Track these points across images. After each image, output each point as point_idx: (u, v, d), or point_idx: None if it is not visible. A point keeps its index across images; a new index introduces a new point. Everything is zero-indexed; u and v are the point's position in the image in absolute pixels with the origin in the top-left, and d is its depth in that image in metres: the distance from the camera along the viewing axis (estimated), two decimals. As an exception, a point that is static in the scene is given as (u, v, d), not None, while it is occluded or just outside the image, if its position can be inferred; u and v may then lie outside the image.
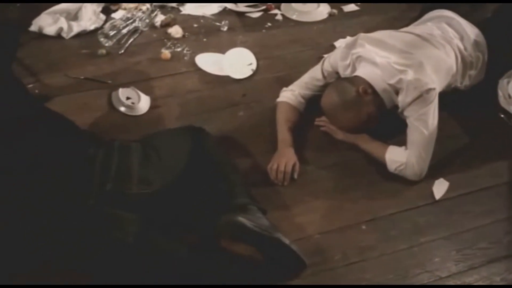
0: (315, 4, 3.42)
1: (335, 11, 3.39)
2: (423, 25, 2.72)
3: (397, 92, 2.35)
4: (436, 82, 2.33)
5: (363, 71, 2.40)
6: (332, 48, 3.06)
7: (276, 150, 2.41)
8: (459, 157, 2.49)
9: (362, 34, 2.51)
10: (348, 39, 3.02)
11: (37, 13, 3.21)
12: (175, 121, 2.60)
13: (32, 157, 1.88)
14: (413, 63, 2.33)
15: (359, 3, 3.47)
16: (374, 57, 2.38)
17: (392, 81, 2.34)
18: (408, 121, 2.34)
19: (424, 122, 2.28)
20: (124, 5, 3.38)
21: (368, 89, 2.35)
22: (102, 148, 2.01)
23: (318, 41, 3.17)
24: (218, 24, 3.28)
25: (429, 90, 2.27)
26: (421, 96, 2.27)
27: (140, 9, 3.34)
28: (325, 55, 2.71)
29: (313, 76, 2.58)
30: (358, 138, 2.44)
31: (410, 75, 2.29)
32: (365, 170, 2.41)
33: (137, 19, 3.27)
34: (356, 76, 2.40)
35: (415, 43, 2.48)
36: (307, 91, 2.58)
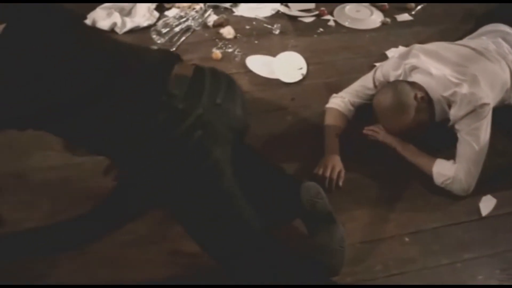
0: (368, 12, 3.41)
1: (388, 19, 3.37)
2: (478, 39, 2.68)
3: (449, 104, 2.32)
4: (490, 97, 2.30)
5: (419, 80, 2.38)
6: (383, 57, 3.04)
7: (322, 156, 2.41)
8: (508, 174, 2.44)
9: (416, 45, 2.49)
10: (401, 49, 3.01)
11: (92, 7, 3.28)
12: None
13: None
14: (468, 77, 2.30)
15: (412, 13, 3.44)
16: (429, 67, 2.36)
17: (446, 94, 2.31)
18: (459, 134, 2.31)
19: (475, 136, 2.25)
20: (178, 3, 3.42)
21: (425, 96, 2.33)
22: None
23: (370, 49, 3.15)
24: (270, 27, 3.29)
25: (483, 105, 2.24)
26: (475, 111, 2.24)
27: (194, 8, 3.38)
28: (377, 64, 2.70)
29: (364, 84, 2.57)
30: (405, 149, 2.42)
31: (464, 89, 2.26)
32: (410, 181, 2.39)
33: (190, 18, 3.31)
34: (415, 82, 2.38)
35: (470, 56, 2.44)
36: (357, 99, 2.56)
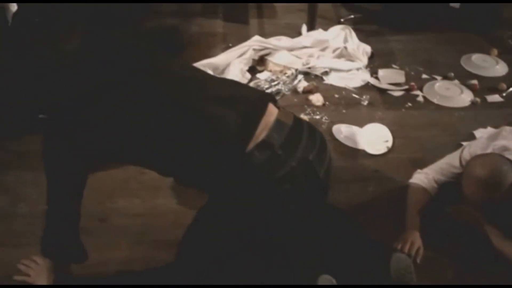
0: (458, 90, 3.41)
1: (478, 99, 3.36)
2: None
3: None
4: None
5: None
6: (471, 136, 3.02)
7: (402, 230, 2.40)
8: None
9: (507, 127, 2.46)
10: (490, 130, 2.98)
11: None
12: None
13: None
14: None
15: (503, 95, 3.42)
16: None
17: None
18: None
19: None
20: (270, 66, 3.53)
21: None
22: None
23: (458, 128, 3.14)
24: (359, 97, 3.34)
25: None
26: None
27: (285, 73, 3.48)
28: (464, 143, 2.69)
29: (450, 162, 2.56)
30: (493, 233, 2.37)
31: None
32: (492, 267, 2.33)
33: (281, 82, 3.41)
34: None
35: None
36: (442, 177, 2.55)
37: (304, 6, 4.06)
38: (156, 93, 1.77)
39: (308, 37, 3.80)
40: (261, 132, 1.74)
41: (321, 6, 3.95)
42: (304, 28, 3.93)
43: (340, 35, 3.81)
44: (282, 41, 3.77)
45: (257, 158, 1.72)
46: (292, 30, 3.97)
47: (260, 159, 1.72)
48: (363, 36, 3.87)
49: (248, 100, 1.82)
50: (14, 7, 2.52)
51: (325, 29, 3.88)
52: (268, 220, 1.83)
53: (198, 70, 2.01)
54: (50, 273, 2.12)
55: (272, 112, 1.79)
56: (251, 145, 1.72)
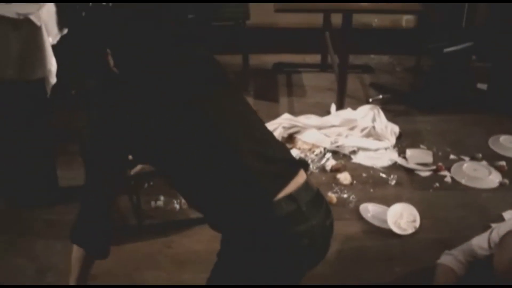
0: (486, 171, 3.41)
1: (506, 181, 3.35)
2: None
3: None
4: None
5: None
6: (500, 218, 3.01)
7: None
8: None
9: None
10: (519, 212, 2.97)
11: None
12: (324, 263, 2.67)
13: None
14: None
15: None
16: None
17: None
18: None
19: None
20: (299, 144, 3.60)
21: None
22: None
23: (486, 209, 3.13)
24: (386, 177, 3.37)
25: None
26: None
27: (314, 151, 3.54)
28: (493, 225, 2.68)
29: (478, 244, 2.54)
30: None
31: None
32: None
33: (310, 160, 3.46)
34: None
35: None
36: (470, 258, 2.53)
37: (333, 85, 4.16)
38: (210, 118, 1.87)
39: (336, 116, 3.88)
40: (290, 188, 1.83)
41: (350, 86, 4.04)
42: (333, 107, 4.01)
43: (368, 115, 3.88)
44: (311, 119, 3.85)
45: (282, 209, 1.79)
46: (321, 109, 4.06)
47: (285, 210, 1.79)
48: (391, 116, 3.93)
49: (285, 159, 1.93)
50: (54, 79, 2.66)
51: (354, 108, 3.96)
52: (278, 273, 1.85)
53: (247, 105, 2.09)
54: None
55: (302, 175, 1.89)
56: (280, 195, 1.80)
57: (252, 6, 4.45)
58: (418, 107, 4.13)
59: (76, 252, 2.04)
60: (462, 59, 4.22)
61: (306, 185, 1.87)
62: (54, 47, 2.66)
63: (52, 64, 2.64)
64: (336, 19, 4.06)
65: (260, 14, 4.56)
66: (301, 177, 1.88)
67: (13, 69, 2.57)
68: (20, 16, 2.51)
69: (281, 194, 1.80)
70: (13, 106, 2.79)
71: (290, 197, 1.81)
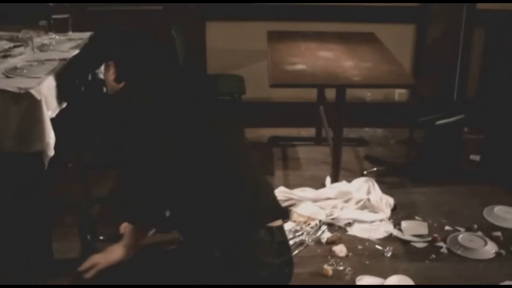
0: (482, 242, 3.41)
1: (502, 251, 3.34)
2: None
3: None
4: None
5: None
6: (498, 290, 2.99)
7: None
8: None
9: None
10: (516, 282, 2.96)
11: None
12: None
13: None
14: None
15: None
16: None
17: None
18: None
19: None
20: (295, 217, 3.60)
21: None
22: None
23: (483, 279, 3.10)
24: (382, 249, 3.36)
25: None
26: None
27: (309, 224, 3.54)
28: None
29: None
30: None
31: None
32: None
33: (305, 233, 3.46)
34: None
35: None
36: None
37: (328, 158, 4.20)
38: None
39: (332, 188, 3.90)
40: (271, 224, 2.13)
41: (344, 158, 4.08)
42: (328, 180, 4.04)
43: (363, 187, 3.91)
44: (307, 192, 3.87)
45: (260, 235, 2.07)
46: (316, 181, 4.09)
47: (262, 238, 2.08)
48: (386, 188, 3.95)
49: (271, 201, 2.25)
50: (51, 152, 2.69)
51: (349, 181, 3.99)
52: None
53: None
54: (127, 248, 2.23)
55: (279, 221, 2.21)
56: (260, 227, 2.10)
57: (248, 81, 4.57)
58: (413, 179, 4.17)
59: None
60: (455, 131, 4.29)
61: (281, 229, 2.17)
62: (52, 120, 2.71)
63: (51, 137, 2.67)
64: (330, 93, 4.15)
65: (255, 89, 4.68)
66: (280, 221, 2.18)
67: (11, 141, 2.60)
68: (21, 90, 2.57)
69: (261, 227, 2.09)
70: (10, 178, 2.81)
71: (269, 229, 2.09)
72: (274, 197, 2.29)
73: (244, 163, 2.24)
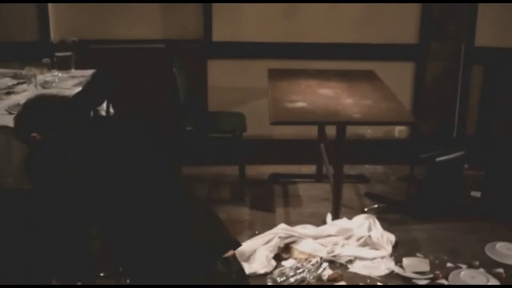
0: (484, 279, 3.40)
1: (505, 289, 3.33)
2: None
3: None
4: None
5: None
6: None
7: None
8: None
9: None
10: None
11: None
12: None
13: None
14: None
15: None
16: None
17: None
18: None
19: None
20: (296, 254, 3.59)
21: None
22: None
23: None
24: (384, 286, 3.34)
25: None
26: None
27: (310, 261, 3.52)
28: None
29: None
30: None
31: None
32: None
33: (306, 270, 3.44)
34: None
35: None
36: None
37: (329, 195, 4.20)
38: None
39: (333, 225, 3.89)
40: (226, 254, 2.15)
41: (345, 195, 4.08)
42: (329, 217, 4.03)
43: (364, 224, 3.90)
44: (308, 229, 3.86)
45: (218, 267, 2.10)
46: (317, 218, 4.08)
47: (220, 269, 2.10)
48: (387, 225, 3.94)
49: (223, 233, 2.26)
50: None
51: (350, 218, 3.98)
52: None
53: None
54: None
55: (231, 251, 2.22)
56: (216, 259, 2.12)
57: (249, 118, 4.59)
58: (414, 216, 4.16)
59: None
60: (455, 167, 4.29)
61: (235, 258, 2.21)
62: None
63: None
64: (331, 130, 4.17)
65: (256, 126, 4.70)
66: (231, 251, 2.19)
67: (13, 177, 2.62)
68: (22, 126, 2.59)
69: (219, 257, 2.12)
70: (12, 215, 2.81)
71: (227, 260, 2.12)
72: (224, 227, 2.32)
73: (185, 199, 2.26)
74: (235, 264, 2.19)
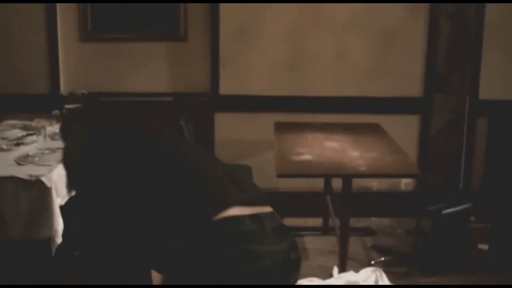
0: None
1: None
2: None
3: None
4: None
5: None
6: None
7: None
8: None
9: None
10: None
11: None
12: None
13: None
14: None
15: None
16: None
17: None
18: None
19: None
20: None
21: None
22: None
23: None
24: None
25: None
26: None
27: (317, 315, 3.49)
28: None
29: None
30: None
31: None
32: None
33: (313, 324, 3.40)
34: None
35: None
36: None
37: (335, 248, 4.18)
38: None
39: (339, 278, 3.85)
40: (256, 210, 1.98)
41: (351, 248, 4.06)
42: (335, 270, 4.00)
43: (371, 277, 3.86)
44: (314, 282, 3.82)
45: (246, 225, 1.91)
46: (323, 271, 4.05)
47: (249, 227, 1.91)
48: (393, 278, 3.90)
49: (257, 191, 2.16)
50: (59, 239, 2.71)
51: (356, 271, 3.94)
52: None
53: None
54: None
55: (270, 208, 2.05)
56: (245, 212, 1.94)
57: (255, 171, 4.62)
58: (420, 269, 4.13)
59: None
60: (461, 220, 4.28)
61: (273, 215, 2.03)
62: (61, 207, 2.75)
63: (59, 224, 2.71)
64: (337, 183, 4.18)
65: (263, 179, 4.70)
66: (269, 208, 2.04)
67: (20, 227, 2.64)
68: (32, 177, 2.63)
69: (247, 211, 1.93)
70: (17, 264, 2.82)
71: (256, 217, 1.93)
72: (254, 184, 2.26)
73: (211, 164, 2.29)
74: (270, 222, 1.99)
